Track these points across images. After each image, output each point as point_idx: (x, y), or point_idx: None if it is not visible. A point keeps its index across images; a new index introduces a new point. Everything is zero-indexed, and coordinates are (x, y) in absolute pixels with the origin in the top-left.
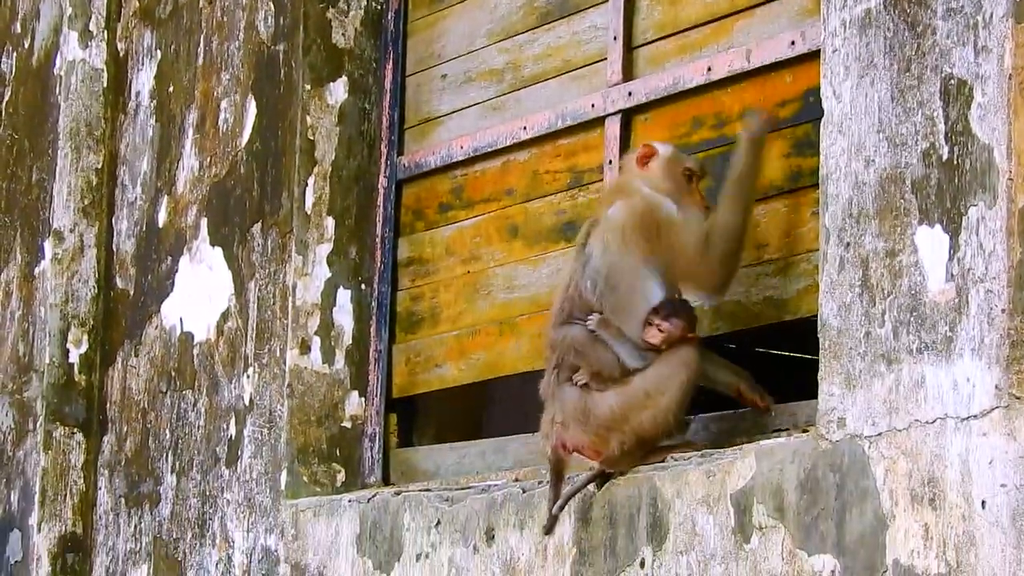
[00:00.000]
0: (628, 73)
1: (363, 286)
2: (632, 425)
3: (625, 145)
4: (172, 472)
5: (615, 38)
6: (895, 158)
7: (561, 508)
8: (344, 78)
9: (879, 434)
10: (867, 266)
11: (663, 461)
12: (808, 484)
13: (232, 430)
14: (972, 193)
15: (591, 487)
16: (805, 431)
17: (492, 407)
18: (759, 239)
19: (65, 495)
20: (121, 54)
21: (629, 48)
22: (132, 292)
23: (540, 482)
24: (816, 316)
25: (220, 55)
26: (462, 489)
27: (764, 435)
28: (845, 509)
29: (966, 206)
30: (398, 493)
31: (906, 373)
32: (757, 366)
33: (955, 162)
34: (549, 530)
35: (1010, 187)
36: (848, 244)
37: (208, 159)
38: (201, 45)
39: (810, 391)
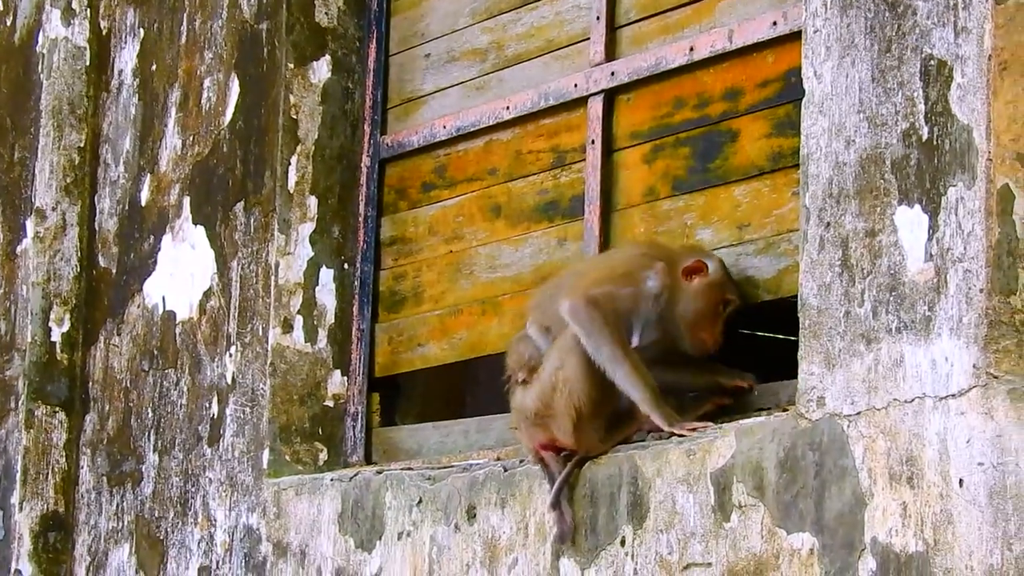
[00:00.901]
0: (611, 53)
1: (346, 265)
2: (558, 408)
3: (608, 125)
4: (154, 451)
5: (598, 18)
6: (875, 138)
7: (557, 501)
8: (327, 57)
9: (858, 413)
10: (847, 246)
11: (644, 439)
12: (787, 463)
13: (214, 409)
14: (951, 173)
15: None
16: (785, 410)
17: (474, 386)
18: (740, 219)
19: (47, 474)
20: (104, 32)
21: (612, 28)
22: (114, 271)
23: (521, 461)
24: (796, 296)
25: (203, 33)
26: (444, 468)
27: (744, 414)
28: (824, 488)
29: (945, 186)
30: (380, 472)
31: (885, 352)
32: (738, 346)
33: (935, 142)
34: (555, 505)
35: (989, 167)
36: (828, 224)
37: (191, 138)
38: (184, 23)
39: (791, 371)
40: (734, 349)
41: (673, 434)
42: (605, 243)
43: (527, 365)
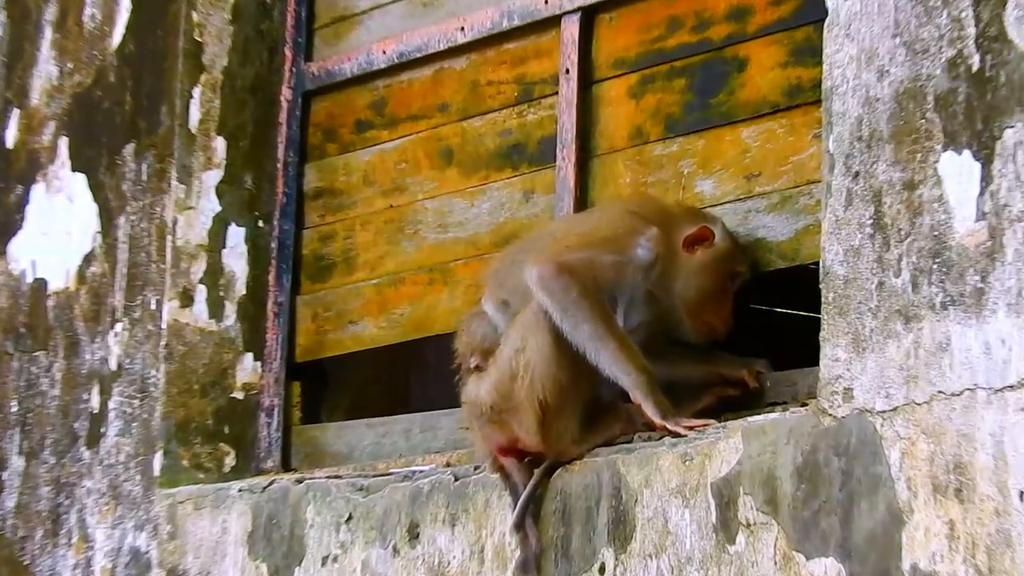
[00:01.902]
0: None
1: (260, 223)
2: (519, 401)
3: (585, 50)
4: (19, 454)
5: None
6: (914, 68)
7: (521, 519)
8: None
9: (894, 409)
10: (880, 201)
11: (630, 440)
12: (807, 471)
13: (95, 401)
14: (1008, 112)
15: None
16: (804, 405)
17: (420, 375)
18: (748, 168)
19: None
20: None
21: None
22: None
23: (476, 468)
24: (818, 263)
25: None
26: (380, 476)
27: (754, 410)
28: (852, 502)
29: (1001, 128)
30: (300, 481)
31: (927, 333)
32: (746, 326)
33: (987, 73)
34: (518, 525)
35: None
36: (857, 174)
37: (70, 64)
38: None
39: (811, 356)
40: (741, 329)
41: (666, 432)
42: (582, 197)
43: (481, 348)
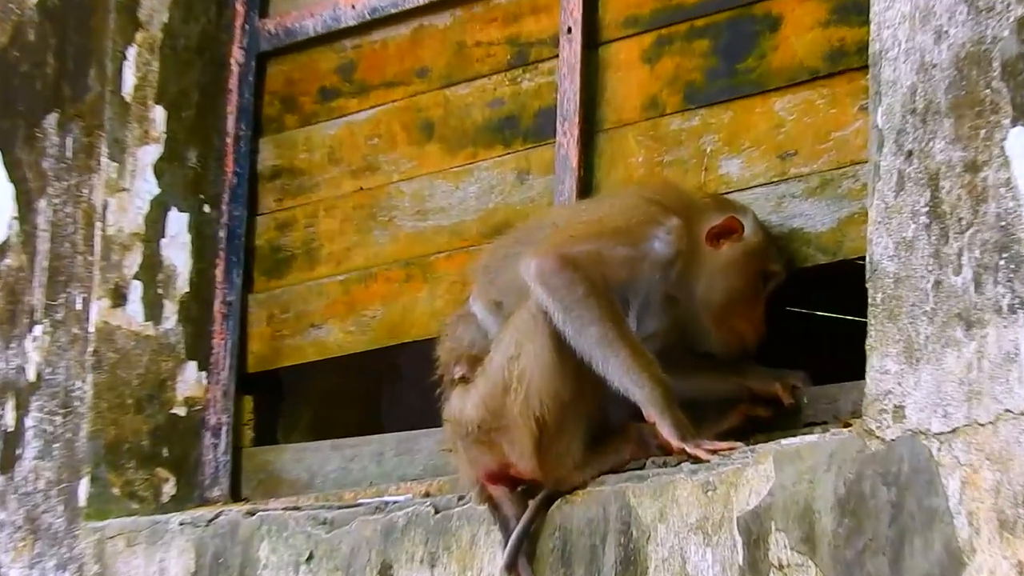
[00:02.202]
0: None
1: (206, 207)
2: (512, 419)
3: (591, 6)
4: None
5: None
6: (978, 29)
7: (514, 559)
8: None
9: (953, 430)
10: (937, 185)
11: (642, 466)
12: (850, 503)
13: (9, 418)
14: None
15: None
16: (847, 425)
17: (395, 387)
18: (783, 145)
19: None
20: None
21: None
22: None
23: (461, 498)
24: (864, 258)
25: None
26: (347, 507)
27: (788, 431)
28: (903, 540)
29: None
30: (253, 513)
31: (993, 341)
32: (780, 332)
33: None
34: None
35: None
36: (910, 153)
37: None
38: None
39: (855, 368)
40: (774, 337)
41: (685, 456)
42: (586, 179)
43: (468, 355)
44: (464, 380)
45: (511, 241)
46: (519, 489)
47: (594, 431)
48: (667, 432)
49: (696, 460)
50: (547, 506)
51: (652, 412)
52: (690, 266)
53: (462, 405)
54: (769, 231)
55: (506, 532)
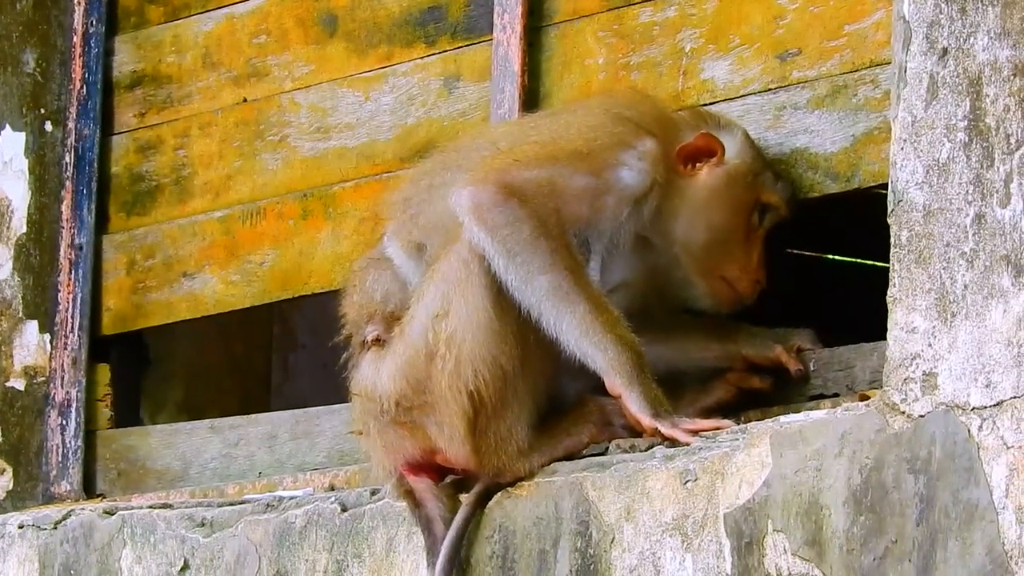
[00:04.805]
0: None
1: (48, 125)
2: (440, 393)
3: None
4: None
5: None
6: None
7: (449, 567)
8: None
9: (998, 404)
10: (979, 93)
11: (605, 451)
12: (868, 496)
13: None
14: None
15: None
16: (864, 398)
17: (288, 353)
18: (782, 42)
19: None
20: None
21: None
22: None
23: (373, 492)
24: (886, 186)
25: None
26: (231, 504)
27: (790, 405)
28: (935, 542)
29: None
30: (112, 512)
31: None
32: (784, 279)
33: None
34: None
35: None
36: (945, 52)
37: None
38: None
39: (875, 326)
40: (772, 285)
41: (659, 438)
42: (533, 88)
43: (382, 312)
44: (378, 343)
45: (437, 167)
46: (447, 480)
47: (543, 408)
48: (636, 408)
49: (672, 443)
50: (484, 502)
51: (617, 383)
52: (667, 201)
53: (375, 376)
54: (764, 152)
55: (431, 535)
